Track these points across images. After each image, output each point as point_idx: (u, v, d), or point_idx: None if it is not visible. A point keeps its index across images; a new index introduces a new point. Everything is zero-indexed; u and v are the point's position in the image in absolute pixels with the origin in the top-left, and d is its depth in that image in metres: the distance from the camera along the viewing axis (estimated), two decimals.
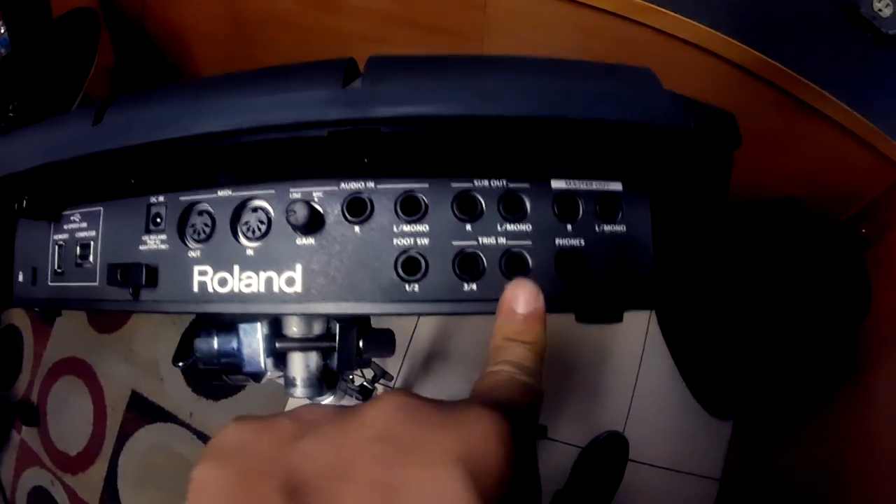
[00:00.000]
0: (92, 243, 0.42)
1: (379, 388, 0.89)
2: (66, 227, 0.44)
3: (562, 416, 1.31)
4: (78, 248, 0.42)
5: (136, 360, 1.52)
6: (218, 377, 0.47)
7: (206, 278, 0.37)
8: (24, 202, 0.42)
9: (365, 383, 0.84)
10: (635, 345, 1.35)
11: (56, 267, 0.44)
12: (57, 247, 0.44)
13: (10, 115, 1.11)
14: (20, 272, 0.46)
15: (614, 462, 1.26)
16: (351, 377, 0.79)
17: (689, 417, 1.29)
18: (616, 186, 0.35)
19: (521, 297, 0.26)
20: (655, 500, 1.29)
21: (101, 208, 0.42)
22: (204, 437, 1.39)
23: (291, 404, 1.27)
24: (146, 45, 1.40)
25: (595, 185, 0.35)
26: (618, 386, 1.33)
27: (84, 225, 0.43)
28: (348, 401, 0.83)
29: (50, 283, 0.44)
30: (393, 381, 1.25)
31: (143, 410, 1.47)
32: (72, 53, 1.16)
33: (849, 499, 0.93)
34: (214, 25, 1.29)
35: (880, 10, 0.81)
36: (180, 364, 0.46)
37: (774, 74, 0.89)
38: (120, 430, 1.48)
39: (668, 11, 0.87)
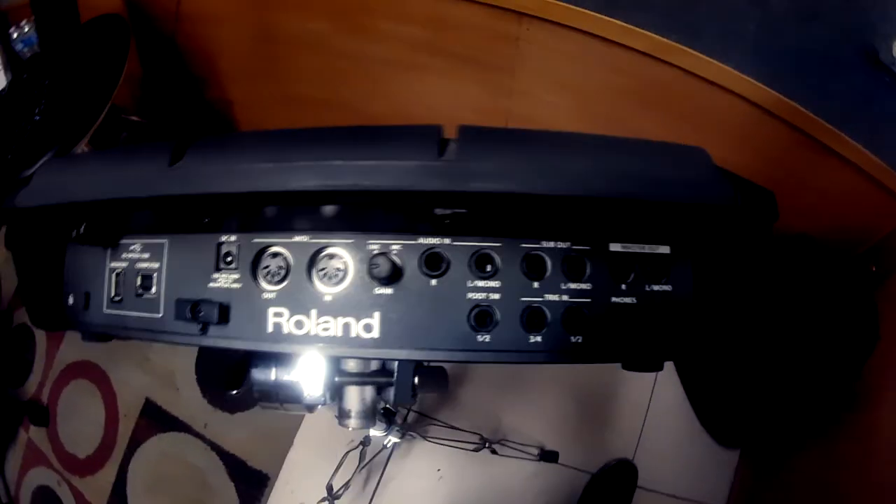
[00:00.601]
0: (155, 275, 0.42)
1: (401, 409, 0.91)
2: (124, 255, 0.43)
3: (574, 442, 1.32)
4: (139, 279, 0.42)
5: (152, 368, 1.52)
6: (272, 403, 0.49)
7: (282, 320, 0.38)
8: (84, 228, 0.42)
9: (388, 405, 0.85)
10: (648, 374, 1.35)
11: (113, 294, 0.43)
12: (114, 274, 0.43)
13: (37, 117, 1.11)
14: (70, 295, 0.45)
15: (623, 488, 1.27)
16: None
17: (696, 446, 1.30)
18: (665, 249, 0.38)
19: None
20: None
21: (166, 241, 0.42)
22: (218, 449, 1.39)
23: (308, 419, 1.27)
24: (174, 56, 1.41)
25: (647, 249, 0.38)
26: (629, 414, 1.34)
27: (146, 255, 0.42)
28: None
29: (105, 311, 0.44)
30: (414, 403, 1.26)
31: (156, 419, 1.47)
32: (100, 59, 1.15)
33: None
34: (244, 43, 1.31)
35: None
36: (234, 392, 0.48)
37: (794, 115, 0.91)
38: (132, 436, 1.48)
39: (695, 52, 0.90)
